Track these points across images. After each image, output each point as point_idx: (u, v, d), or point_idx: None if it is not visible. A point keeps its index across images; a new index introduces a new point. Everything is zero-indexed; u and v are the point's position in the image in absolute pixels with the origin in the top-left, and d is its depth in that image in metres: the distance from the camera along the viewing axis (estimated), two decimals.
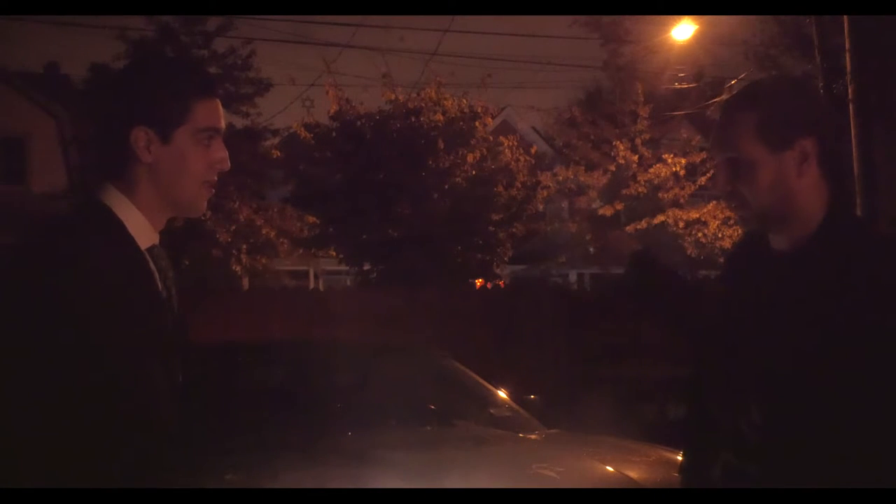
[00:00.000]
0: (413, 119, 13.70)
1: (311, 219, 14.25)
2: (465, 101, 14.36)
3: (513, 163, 14.37)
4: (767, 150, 1.81)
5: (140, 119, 1.72)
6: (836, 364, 1.74)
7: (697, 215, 17.12)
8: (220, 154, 1.79)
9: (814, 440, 1.78)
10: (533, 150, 15.16)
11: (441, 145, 13.44)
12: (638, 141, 17.49)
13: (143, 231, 1.75)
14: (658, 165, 17.17)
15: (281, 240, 14.81)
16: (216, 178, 1.80)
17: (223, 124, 1.82)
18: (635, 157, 17.31)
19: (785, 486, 1.78)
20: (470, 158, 13.71)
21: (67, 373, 1.58)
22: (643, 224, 16.98)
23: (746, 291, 1.93)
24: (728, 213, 17.16)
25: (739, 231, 17.06)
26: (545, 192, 15.17)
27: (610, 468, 4.04)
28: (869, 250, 1.81)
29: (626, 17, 17.34)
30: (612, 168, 17.29)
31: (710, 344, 2.05)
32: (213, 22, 14.90)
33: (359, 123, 13.84)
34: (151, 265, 1.76)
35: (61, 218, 1.79)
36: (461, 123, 13.95)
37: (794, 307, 1.82)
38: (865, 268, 1.76)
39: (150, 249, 1.77)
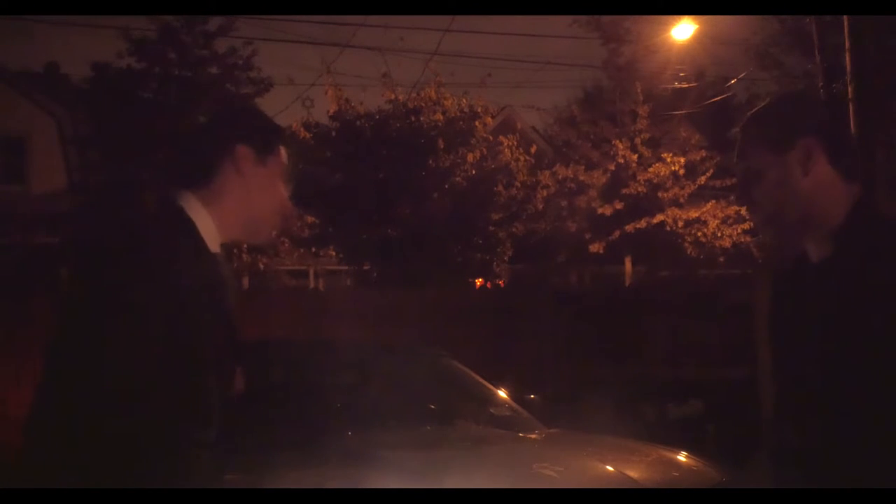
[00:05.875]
0: (413, 119, 13.70)
1: (311, 219, 14.24)
2: (465, 100, 14.35)
3: (512, 162, 14.36)
4: (772, 153, 1.88)
5: (246, 138, 1.97)
6: (874, 368, 1.72)
7: (697, 214, 17.12)
8: (287, 194, 2.04)
9: (860, 449, 1.76)
10: (533, 150, 15.14)
11: (441, 145, 13.43)
12: (637, 140, 17.48)
13: (212, 239, 1.88)
14: (657, 165, 17.16)
15: (281, 240, 14.80)
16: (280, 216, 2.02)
17: None
18: (635, 157, 17.30)
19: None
20: (470, 158, 13.70)
21: (139, 370, 1.67)
22: (643, 223, 16.98)
23: (788, 306, 1.94)
24: (727, 213, 17.16)
25: (739, 230, 17.09)
26: (545, 192, 15.14)
27: (610, 468, 4.04)
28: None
29: (626, 16, 17.35)
30: (612, 167, 17.27)
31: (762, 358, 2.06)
32: (214, 22, 14.90)
33: (359, 123, 13.83)
34: (222, 271, 1.90)
35: (141, 220, 1.90)
36: (461, 123, 13.94)
37: (830, 313, 1.80)
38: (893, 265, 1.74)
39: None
